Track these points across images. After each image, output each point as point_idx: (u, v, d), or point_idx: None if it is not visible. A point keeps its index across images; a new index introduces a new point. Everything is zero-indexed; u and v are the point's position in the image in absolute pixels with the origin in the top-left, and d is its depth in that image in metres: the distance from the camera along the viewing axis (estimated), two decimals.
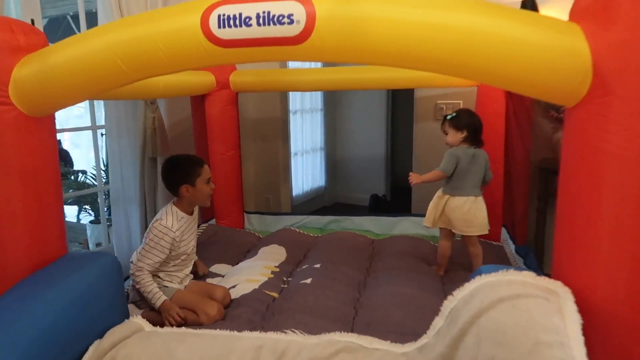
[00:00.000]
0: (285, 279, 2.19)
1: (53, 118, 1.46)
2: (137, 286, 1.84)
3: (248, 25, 1.14)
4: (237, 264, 2.39)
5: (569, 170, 1.19)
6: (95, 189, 3.03)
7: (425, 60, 1.16)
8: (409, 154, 5.61)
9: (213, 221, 3.04)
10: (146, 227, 2.95)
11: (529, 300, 1.10)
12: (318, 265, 2.21)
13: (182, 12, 1.19)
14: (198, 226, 2.98)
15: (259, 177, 3.90)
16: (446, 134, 2.22)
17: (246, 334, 1.45)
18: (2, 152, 1.33)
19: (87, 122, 2.83)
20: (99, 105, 3.05)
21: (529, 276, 1.18)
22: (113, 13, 2.44)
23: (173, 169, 1.95)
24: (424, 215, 2.99)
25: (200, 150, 3.04)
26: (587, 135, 1.10)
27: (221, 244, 2.65)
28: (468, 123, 2.17)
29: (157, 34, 1.19)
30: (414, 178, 2.26)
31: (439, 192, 2.28)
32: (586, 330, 1.06)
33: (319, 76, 2.83)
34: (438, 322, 1.30)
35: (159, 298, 1.81)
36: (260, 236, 2.92)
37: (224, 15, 1.14)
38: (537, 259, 2.45)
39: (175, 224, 1.90)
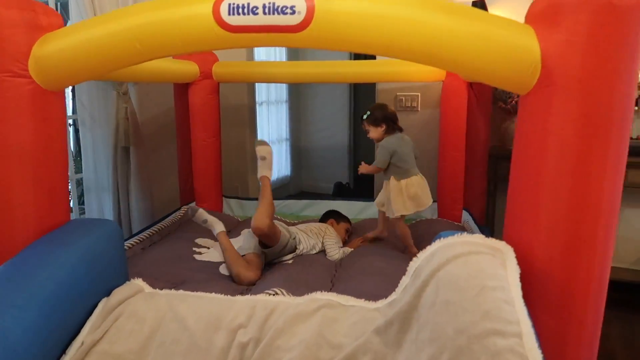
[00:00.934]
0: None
1: (64, 92, 1.56)
2: None
3: (255, 13, 1.30)
4: None
5: (520, 147, 1.43)
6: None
7: (407, 51, 1.36)
8: (370, 143, 5.89)
9: (193, 204, 3.16)
10: (120, 215, 3.02)
11: (478, 256, 1.31)
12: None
13: (196, 0, 1.34)
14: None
15: (227, 166, 4.02)
16: (367, 131, 2.40)
17: (239, 297, 1.60)
18: (18, 121, 1.44)
19: None
20: (67, 96, 3.09)
21: (479, 238, 1.41)
22: (86, 8, 2.51)
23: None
24: None
25: (182, 136, 3.14)
26: (535, 118, 1.34)
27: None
28: (383, 117, 2.35)
29: (173, 19, 1.33)
30: (362, 168, 2.46)
31: (392, 182, 2.39)
32: (526, 285, 1.27)
33: (295, 69, 3.01)
34: (405, 281, 1.50)
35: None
36: (239, 220, 3.07)
37: (233, 4, 1.30)
38: (483, 233, 2.74)
39: None
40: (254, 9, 1.29)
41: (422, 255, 1.45)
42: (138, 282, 1.60)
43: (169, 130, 3.33)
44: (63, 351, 1.31)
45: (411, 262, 1.49)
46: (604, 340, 2.37)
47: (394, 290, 1.92)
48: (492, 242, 1.38)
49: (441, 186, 3.07)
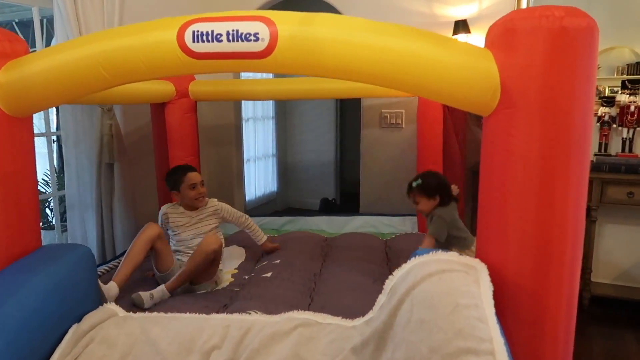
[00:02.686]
0: (245, 277, 2.37)
1: (31, 118, 1.57)
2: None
3: (219, 40, 1.32)
4: None
5: (486, 168, 1.45)
6: (48, 195, 3.05)
7: (368, 75, 1.38)
8: (357, 159, 5.92)
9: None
10: (103, 232, 3.02)
11: (452, 273, 1.33)
12: (278, 261, 2.41)
13: (161, 27, 1.36)
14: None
15: (212, 183, 4.02)
16: (417, 202, 2.02)
17: (214, 315, 1.61)
18: None
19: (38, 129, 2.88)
20: (52, 112, 3.10)
21: (453, 255, 1.43)
22: (70, 23, 2.53)
23: (164, 179, 2.48)
24: (371, 215, 3.27)
25: (160, 155, 3.14)
26: (497, 139, 1.36)
27: None
28: (438, 186, 2.00)
29: (138, 45, 1.35)
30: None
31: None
32: (500, 299, 1.30)
33: (273, 86, 3.04)
34: (381, 299, 1.51)
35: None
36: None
37: (198, 31, 1.32)
38: None
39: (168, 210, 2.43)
40: (218, 37, 1.31)
41: (398, 273, 1.46)
42: (111, 307, 1.60)
43: (148, 143, 3.32)
44: None
45: (387, 280, 1.50)
46: (587, 356, 2.41)
47: (371, 302, 1.94)
48: (466, 259, 1.40)
49: None
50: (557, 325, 1.37)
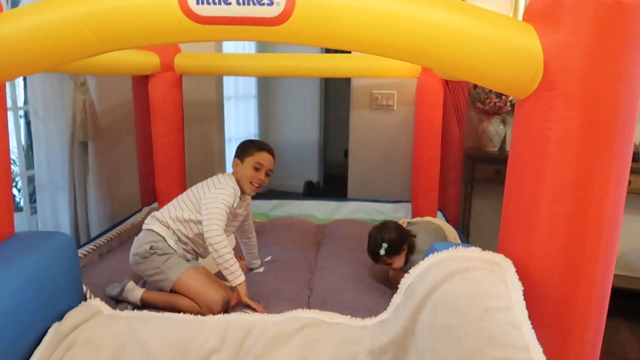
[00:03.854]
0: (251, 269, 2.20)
1: (4, 87, 1.36)
2: (212, 249, 1.66)
3: (228, 3, 1.14)
4: None
5: (516, 155, 1.33)
6: (15, 174, 2.81)
7: (392, 49, 1.24)
8: (341, 141, 5.79)
9: (155, 204, 2.96)
10: (76, 215, 2.81)
11: (476, 272, 1.22)
12: (269, 258, 2.25)
13: None
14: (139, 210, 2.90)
15: (195, 162, 3.82)
16: (390, 264, 1.91)
17: (210, 317, 1.45)
18: None
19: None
20: (18, 85, 2.84)
21: (475, 251, 1.31)
22: None
23: (242, 143, 1.98)
24: (362, 200, 3.16)
25: (141, 133, 2.94)
26: (533, 125, 1.24)
27: None
28: (402, 238, 1.89)
29: (133, 6, 1.16)
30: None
31: None
32: (525, 298, 1.20)
33: (265, 62, 2.84)
34: (396, 299, 1.39)
35: (241, 275, 1.67)
36: None
37: None
38: (465, 237, 2.68)
39: (237, 190, 1.86)
40: None
41: (415, 271, 1.34)
42: (95, 303, 1.43)
43: (129, 122, 3.11)
44: None
45: (403, 280, 1.38)
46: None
47: (374, 296, 1.83)
48: (490, 255, 1.29)
49: (415, 186, 2.98)
50: (585, 328, 1.28)
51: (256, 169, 1.89)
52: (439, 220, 2.21)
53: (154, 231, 1.81)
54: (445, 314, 1.12)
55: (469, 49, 1.18)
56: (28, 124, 3.02)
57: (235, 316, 1.45)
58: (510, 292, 1.16)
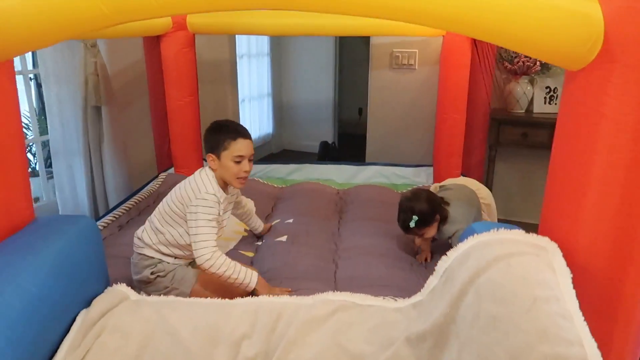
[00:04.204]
0: (258, 236, 2.16)
1: (11, 62, 1.27)
2: (215, 269, 1.51)
3: None
4: None
5: (564, 130, 1.24)
6: (30, 140, 2.76)
7: (434, 17, 1.12)
8: (355, 99, 5.64)
9: (172, 170, 2.91)
10: (93, 181, 2.78)
11: (521, 257, 1.15)
12: (291, 221, 2.20)
13: None
14: (155, 178, 2.83)
15: (207, 125, 3.75)
16: (422, 235, 1.84)
17: (239, 300, 1.41)
18: None
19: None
20: None
21: (518, 234, 1.24)
22: None
23: (208, 132, 1.68)
24: (382, 164, 3.07)
25: (154, 96, 2.85)
26: (587, 99, 1.14)
27: None
28: (433, 209, 1.80)
29: None
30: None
31: None
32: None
33: (280, 20, 2.68)
34: (432, 281, 1.34)
35: (251, 275, 1.54)
36: None
37: None
38: None
39: (219, 193, 1.62)
40: None
41: (453, 254, 1.28)
42: (121, 288, 1.39)
43: (142, 84, 3.01)
44: None
45: (440, 262, 1.32)
46: None
47: (402, 270, 1.78)
48: (534, 238, 1.22)
49: (438, 150, 2.89)
50: (633, 314, 1.22)
51: (238, 162, 1.62)
52: (473, 183, 2.08)
53: (147, 256, 1.65)
54: (490, 304, 1.06)
55: (522, 17, 1.07)
56: (38, 87, 2.94)
57: (264, 299, 1.41)
58: (558, 280, 1.10)
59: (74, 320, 1.24)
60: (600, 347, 1.21)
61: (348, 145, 5.01)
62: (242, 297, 1.46)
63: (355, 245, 1.99)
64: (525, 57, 2.68)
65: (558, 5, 1.06)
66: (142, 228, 1.71)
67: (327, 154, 4.60)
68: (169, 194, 1.69)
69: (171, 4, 1.11)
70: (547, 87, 2.81)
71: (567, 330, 0.97)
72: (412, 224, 1.77)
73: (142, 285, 1.65)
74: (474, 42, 2.59)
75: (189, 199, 1.59)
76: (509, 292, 1.06)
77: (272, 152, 5.09)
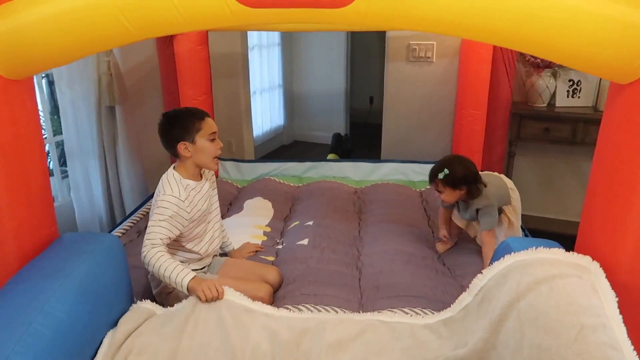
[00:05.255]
0: (278, 240, 2.12)
1: (32, 79, 1.23)
2: (150, 267, 1.44)
3: None
4: (222, 218, 2.28)
5: (608, 144, 1.18)
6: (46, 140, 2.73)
7: (477, 31, 1.07)
8: (366, 88, 5.55)
9: None
10: (108, 181, 2.76)
11: (564, 280, 1.11)
12: (311, 223, 2.16)
13: None
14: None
15: (221, 120, 3.69)
16: (440, 192, 1.84)
17: (259, 311, 1.38)
18: None
19: None
20: None
21: (558, 253, 1.20)
22: None
23: (168, 124, 1.61)
24: (399, 161, 3.02)
25: (168, 95, 2.81)
26: (635, 114, 1.08)
27: None
28: (465, 177, 1.78)
29: None
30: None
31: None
32: None
33: None
34: (466, 298, 1.30)
35: (186, 274, 1.40)
36: (238, 186, 2.81)
37: None
38: None
39: (182, 192, 1.57)
40: None
41: (489, 273, 1.24)
42: (145, 305, 1.38)
43: (154, 81, 2.96)
44: None
45: (475, 280, 1.28)
46: None
47: (428, 279, 1.74)
48: (576, 258, 1.17)
49: (457, 147, 2.83)
50: None
51: (212, 140, 1.61)
52: (509, 182, 2.04)
53: None
54: (534, 332, 1.03)
55: (575, 30, 1.01)
56: (50, 84, 2.91)
57: (285, 313, 1.38)
58: (604, 305, 1.05)
59: (101, 342, 1.22)
60: None
61: (360, 135, 4.95)
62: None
63: (378, 251, 1.95)
64: None
65: (612, 17, 0.99)
66: None
67: (340, 146, 4.54)
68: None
69: (196, 20, 1.06)
70: (570, 80, 2.72)
71: None
72: (440, 175, 1.79)
73: (164, 298, 1.62)
74: None
75: (155, 203, 1.58)
76: (553, 320, 1.02)
77: (283, 144, 5.04)
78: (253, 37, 4.22)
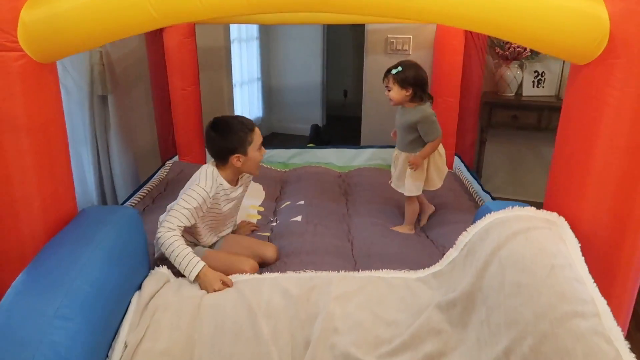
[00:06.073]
0: (272, 218, 2.27)
1: (55, 63, 1.34)
2: (164, 249, 1.53)
3: None
4: None
5: (569, 117, 1.38)
6: None
7: (450, 17, 1.24)
8: (340, 81, 5.73)
9: (176, 158, 2.98)
10: (100, 168, 2.83)
11: (537, 232, 1.31)
12: (302, 202, 2.31)
13: None
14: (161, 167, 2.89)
15: (206, 112, 3.77)
16: (389, 89, 2.00)
17: (267, 276, 1.54)
18: (10, 104, 1.23)
19: None
20: None
21: (530, 211, 1.40)
22: None
23: (223, 135, 1.66)
24: (379, 147, 3.20)
25: (157, 85, 2.89)
26: (592, 90, 1.28)
27: None
28: (415, 80, 1.95)
29: None
30: (414, 164, 2.02)
31: (405, 156, 2.10)
32: None
33: None
34: (452, 254, 1.48)
35: (195, 264, 1.49)
36: None
37: None
38: (477, 180, 2.77)
39: (213, 189, 1.66)
40: None
41: (473, 230, 1.42)
42: (163, 271, 1.51)
43: (140, 71, 3.04)
44: (106, 354, 1.22)
45: (460, 237, 1.46)
46: None
47: (414, 250, 1.92)
48: (545, 214, 1.37)
49: None
50: (627, 277, 1.39)
51: (260, 149, 1.73)
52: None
53: None
54: (514, 273, 1.21)
55: (538, 17, 1.19)
56: None
57: (292, 274, 1.53)
58: (569, 250, 1.25)
59: (128, 302, 1.34)
60: None
61: (335, 128, 5.12)
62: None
63: (366, 226, 2.12)
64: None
65: (571, 8, 1.19)
66: (164, 214, 1.78)
67: (318, 137, 4.70)
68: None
69: (216, 6, 1.19)
70: (535, 72, 2.96)
71: (582, 291, 1.13)
72: (394, 71, 1.95)
73: (159, 263, 1.66)
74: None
75: (188, 187, 1.67)
76: (529, 262, 1.21)
77: (270, 142, 5.16)
78: (234, 30, 4.32)
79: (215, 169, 1.71)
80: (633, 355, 1.03)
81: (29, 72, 1.23)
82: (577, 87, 1.34)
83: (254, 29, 4.76)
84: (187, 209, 1.60)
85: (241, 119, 1.74)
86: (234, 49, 4.36)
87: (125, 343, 1.25)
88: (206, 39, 3.58)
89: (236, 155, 1.67)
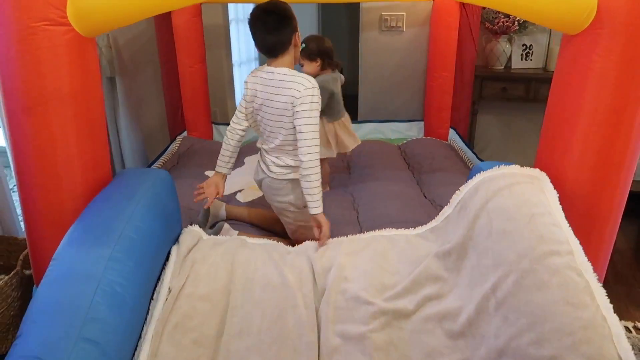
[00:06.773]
0: None
1: (95, 37, 1.47)
2: (311, 178, 1.57)
3: None
4: None
5: (560, 83, 1.54)
6: None
7: None
8: (338, 59, 5.80)
9: (185, 133, 3.13)
10: (110, 148, 2.94)
11: (520, 186, 1.49)
12: None
13: None
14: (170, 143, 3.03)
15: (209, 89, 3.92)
16: (302, 65, 2.19)
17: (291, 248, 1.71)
18: (57, 74, 1.35)
19: None
20: None
21: (515, 168, 1.58)
22: None
23: (285, 16, 1.62)
24: (377, 121, 3.36)
25: (165, 64, 3.02)
26: (580, 57, 1.44)
27: (205, 153, 2.81)
28: (318, 51, 2.16)
29: None
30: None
31: (322, 123, 2.23)
32: (560, 203, 1.47)
33: None
34: (447, 210, 1.67)
35: (321, 203, 1.62)
36: None
37: None
38: (471, 149, 2.96)
39: (310, 79, 1.60)
40: None
41: (465, 188, 1.60)
42: (195, 229, 1.68)
43: (148, 53, 3.16)
44: (151, 297, 1.40)
45: (454, 195, 1.64)
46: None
47: (412, 213, 2.11)
48: (528, 170, 1.55)
49: (429, 106, 3.20)
50: (607, 221, 1.56)
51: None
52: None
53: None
54: (500, 222, 1.40)
55: None
56: None
57: (310, 242, 1.71)
58: (549, 200, 1.44)
59: (167, 253, 1.52)
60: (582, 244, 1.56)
61: None
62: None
63: (369, 194, 2.30)
64: (505, 17, 2.97)
65: None
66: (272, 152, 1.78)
67: None
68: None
69: None
70: (523, 45, 3.12)
71: (558, 234, 1.32)
72: (303, 45, 2.09)
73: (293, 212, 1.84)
74: (462, 5, 2.86)
75: (299, 103, 1.56)
76: (513, 212, 1.39)
77: None
78: (231, 10, 4.41)
79: (283, 68, 1.64)
80: (600, 284, 1.21)
81: (74, 45, 1.36)
82: (567, 56, 1.50)
83: (251, 8, 4.84)
84: (318, 132, 1.59)
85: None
86: (232, 29, 4.46)
87: (169, 288, 1.42)
88: (206, 18, 3.69)
89: (296, 32, 1.65)
